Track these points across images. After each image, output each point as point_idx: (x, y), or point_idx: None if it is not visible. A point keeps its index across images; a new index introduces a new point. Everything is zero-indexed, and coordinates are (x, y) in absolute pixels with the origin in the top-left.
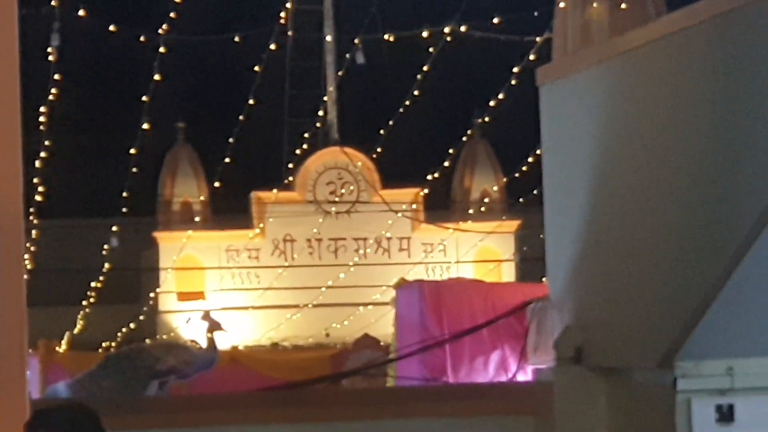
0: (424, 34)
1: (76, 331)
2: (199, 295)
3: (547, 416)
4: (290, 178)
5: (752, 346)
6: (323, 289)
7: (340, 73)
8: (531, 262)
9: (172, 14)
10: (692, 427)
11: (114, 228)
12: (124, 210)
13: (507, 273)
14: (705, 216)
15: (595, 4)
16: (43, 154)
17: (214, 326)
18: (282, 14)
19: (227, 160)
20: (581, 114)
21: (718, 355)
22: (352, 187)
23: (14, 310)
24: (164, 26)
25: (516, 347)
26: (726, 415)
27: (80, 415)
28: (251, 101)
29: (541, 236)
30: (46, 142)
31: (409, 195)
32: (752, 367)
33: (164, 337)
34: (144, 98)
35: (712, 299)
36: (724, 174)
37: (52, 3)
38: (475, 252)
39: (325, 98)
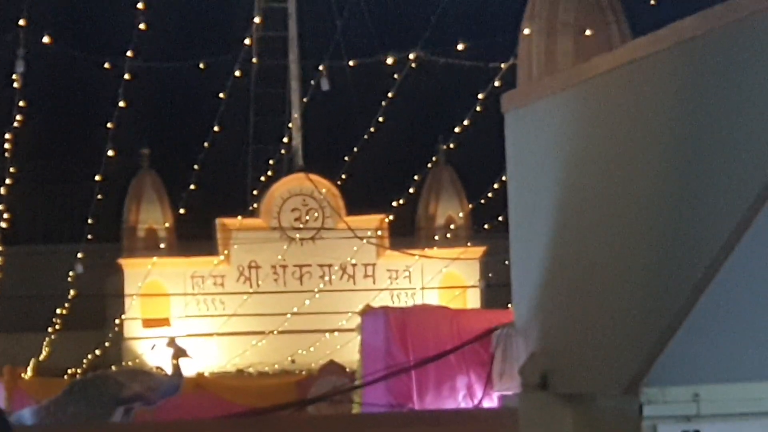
0: (389, 60)
1: (41, 357)
2: (164, 322)
3: None
4: (255, 205)
5: (719, 373)
6: (288, 315)
7: (304, 99)
8: (496, 288)
9: (136, 41)
10: None
11: (79, 254)
12: (89, 236)
13: (472, 299)
14: (671, 242)
15: (559, 31)
16: (7, 181)
17: (179, 353)
18: (246, 41)
19: (192, 186)
20: (546, 140)
21: (685, 381)
22: (317, 214)
23: None
24: (129, 53)
25: (482, 374)
26: None
27: None
28: (216, 128)
29: (506, 262)
30: (11, 169)
31: (374, 221)
32: (719, 394)
33: (129, 363)
34: (109, 125)
35: (678, 325)
36: (689, 200)
37: (18, 28)
38: (440, 278)
39: (290, 124)
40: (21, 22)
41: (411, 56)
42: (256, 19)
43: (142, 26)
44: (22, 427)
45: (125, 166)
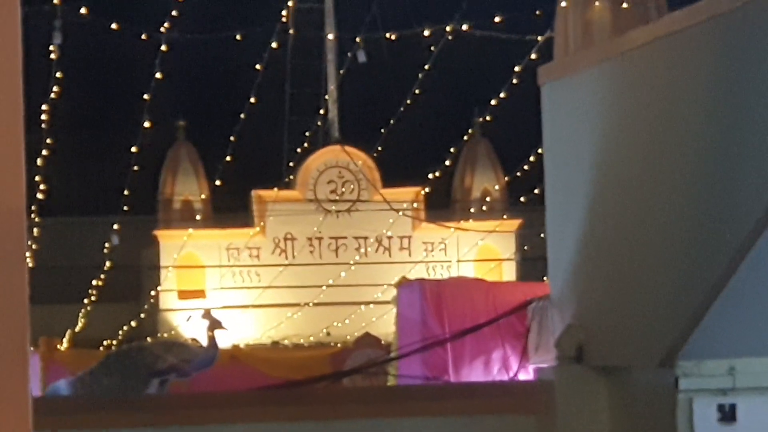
0: (426, 32)
1: (77, 329)
2: (199, 294)
3: (548, 415)
4: (291, 177)
5: (754, 346)
6: (324, 287)
7: (341, 71)
8: (532, 261)
9: (173, 12)
10: (694, 426)
11: (115, 226)
12: (125, 208)
13: (508, 272)
14: (706, 216)
15: (596, 3)
16: (44, 152)
17: (215, 324)
18: (283, 12)
19: (228, 158)
20: (582, 113)
21: (720, 354)
22: (352, 186)
23: (16, 308)
24: (165, 24)
25: (517, 346)
26: (728, 414)
27: None
28: (252, 99)
29: (542, 235)
30: (48, 140)
31: (409, 194)
32: (754, 367)
33: (165, 335)
34: (145, 96)
35: (713, 299)
36: (725, 174)
37: (54, 1)
38: (475, 251)
39: (326, 97)
40: None
41: (447, 28)
42: None
43: None
44: (57, 398)
45: (161, 138)
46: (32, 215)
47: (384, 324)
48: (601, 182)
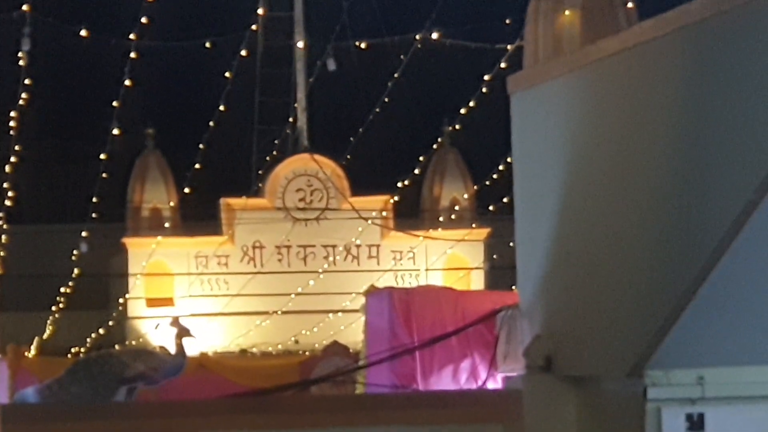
0: (395, 41)
1: (45, 336)
2: (167, 301)
3: (516, 424)
4: (260, 185)
5: (722, 356)
6: (292, 295)
7: (310, 80)
8: (500, 270)
9: (143, 19)
10: None
11: (83, 233)
12: (93, 215)
13: (476, 281)
14: (676, 225)
15: (566, 13)
16: (12, 159)
17: (183, 332)
18: (253, 21)
19: (197, 166)
20: (552, 122)
21: (689, 364)
22: (321, 194)
23: None
24: (135, 32)
25: (486, 355)
26: (696, 423)
27: None
28: (221, 107)
29: (511, 244)
30: (16, 147)
31: (378, 202)
32: (722, 377)
33: (133, 343)
34: (114, 104)
35: (682, 309)
36: (694, 184)
37: (24, 8)
38: (444, 260)
39: (295, 105)
40: (26, 1)
41: (417, 37)
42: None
43: (148, 1)
44: (25, 406)
45: (130, 146)
46: (0, 222)
47: (352, 332)
48: (570, 192)
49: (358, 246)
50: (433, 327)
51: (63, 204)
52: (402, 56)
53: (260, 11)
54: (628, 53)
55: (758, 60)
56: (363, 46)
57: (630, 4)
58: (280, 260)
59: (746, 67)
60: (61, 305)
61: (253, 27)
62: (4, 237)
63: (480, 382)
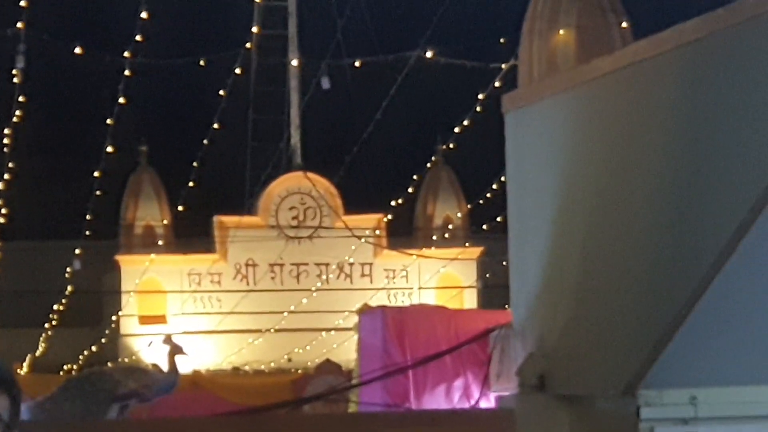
0: (390, 59)
1: (37, 353)
2: (160, 319)
3: None
4: (253, 203)
5: (716, 376)
6: (285, 313)
7: (304, 98)
8: (494, 289)
9: (137, 37)
10: None
11: (76, 251)
12: (86, 233)
13: (469, 300)
14: (670, 245)
15: (561, 32)
16: (6, 176)
17: (176, 350)
18: (247, 39)
19: (190, 183)
20: (546, 141)
21: (682, 384)
22: (314, 213)
23: None
24: (129, 49)
25: (479, 374)
26: None
27: None
28: (215, 125)
29: (504, 263)
30: (10, 164)
31: (371, 221)
32: (715, 397)
33: (125, 360)
34: (108, 121)
35: (676, 328)
36: (689, 203)
37: (18, 25)
38: (437, 278)
39: (289, 123)
40: (21, 18)
41: (411, 56)
42: (257, 17)
43: (143, 19)
44: None
45: (124, 163)
46: None
47: (345, 351)
48: (564, 211)
49: (351, 264)
50: (426, 346)
51: (56, 221)
52: (396, 74)
53: (254, 29)
54: (623, 72)
55: (753, 80)
56: (357, 64)
57: (624, 24)
58: (273, 278)
59: (741, 86)
60: (53, 322)
61: (248, 45)
62: None
63: (473, 401)
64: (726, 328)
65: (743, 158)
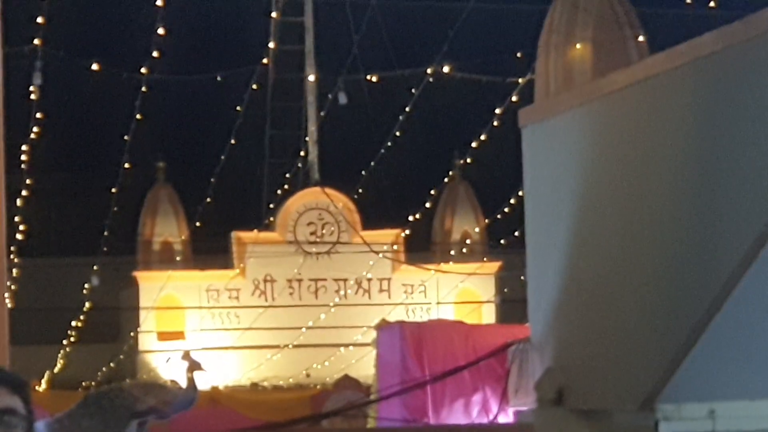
0: (406, 74)
1: (56, 370)
2: (179, 335)
3: None
4: (271, 219)
5: (734, 390)
6: (303, 329)
7: (321, 113)
8: (512, 303)
9: (154, 53)
10: None
11: (95, 267)
12: (104, 249)
13: (487, 315)
14: (687, 259)
15: (577, 46)
16: (24, 193)
17: (194, 366)
18: (263, 54)
19: (208, 199)
20: (563, 155)
21: (700, 398)
22: (332, 228)
23: None
24: (146, 65)
25: (497, 389)
26: None
27: None
28: (232, 141)
29: (522, 278)
30: (28, 181)
31: (389, 236)
32: (734, 410)
33: (144, 376)
34: (125, 137)
35: (693, 342)
36: (706, 216)
37: (35, 42)
38: (455, 293)
39: (306, 138)
40: (38, 35)
41: (428, 71)
42: (273, 33)
43: (160, 35)
44: None
45: (141, 179)
46: (12, 256)
47: (364, 366)
48: (581, 225)
49: (369, 279)
50: (445, 361)
51: (74, 237)
52: (413, 89)
53: (271, 45)
54: (639, 86)
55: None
56: (374, 79)
57: (641, 38)
58: (291, 294)
59: (757, 99)
60: (72, 339)
61: (264, 60)
62: (15, 270)
63: (491, 416)
64: (743, 342)
65: (761, 171)
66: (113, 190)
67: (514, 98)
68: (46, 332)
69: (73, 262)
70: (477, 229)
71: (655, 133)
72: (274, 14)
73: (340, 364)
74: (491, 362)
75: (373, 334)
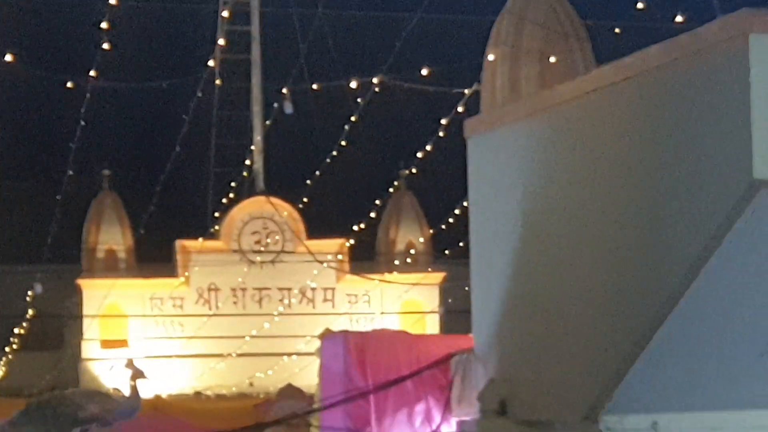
0: (353, 84)
1: None
2: (122, 343)
3: None
4: (215, 227)
5: (676, 402)
6: (247, 338)
7: (267, 122)
8: (455, 314)
9: (99, 61)
10: None
11: (38, 274)
12: (48, 257)
13: (431, 325)
14: (632, 271)
15: (523, 58)
16: None
17: (137, 374)
18: (210, 63)
19: (152, 208)
20: (509, 167)
21: (643, 409)
22: (277, 237)
23: None
24: (91, 72)
25: (440, 399)
26: None
27: None
28: (177, 149)
29: (466, 288)
30: None
31: (334, 245)
32: (677, 422)
33: (87, 384)
34: (70, 145)
35: (637, 354)
36: (651, 229)
37: None
38: (399, 303)
39: (252, 147)
40: None
41: (374, 80)
42: (220, 42)
43: (105, 46)
44: None
45: (86, 187)
46: None
47: (307, 375)
48: (525, 236)
49: (313, 289)
50: (388, 370)
51: (18, 244)
52: (359, 99)
53: (218, 53)
54: (586, 98)
55: (715, 105)
56: (320, 89)
57: (588, 50)
58: (235, 303)
59: (703, 111)
60: (14, 346)
61: (211, 63)
62: None
63: (434, 426)
64: (687, 354)
65: (706, 183)
66: (58, 197)
67: (460, 109)
68: None
69: (17, 270)
70: (422, 240)
71: (601, 146)
72: (220, 23)
73: (283, 373)
74: (435, 372)
75: (317, 343)
